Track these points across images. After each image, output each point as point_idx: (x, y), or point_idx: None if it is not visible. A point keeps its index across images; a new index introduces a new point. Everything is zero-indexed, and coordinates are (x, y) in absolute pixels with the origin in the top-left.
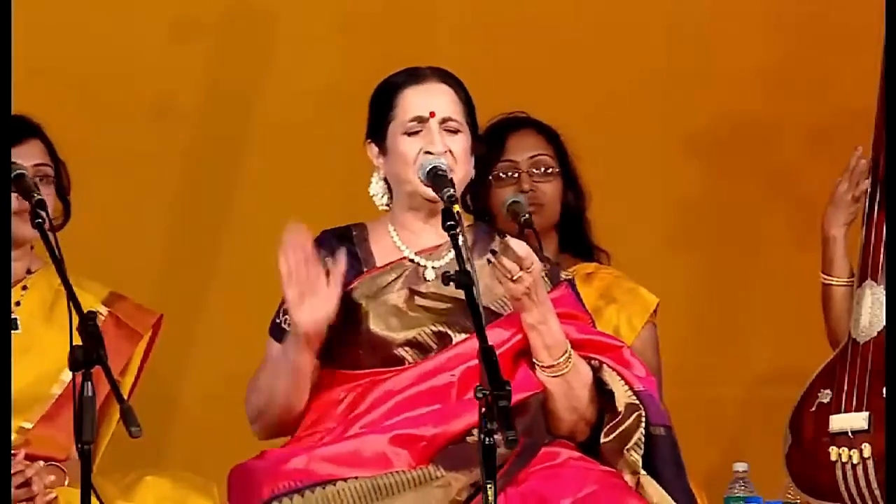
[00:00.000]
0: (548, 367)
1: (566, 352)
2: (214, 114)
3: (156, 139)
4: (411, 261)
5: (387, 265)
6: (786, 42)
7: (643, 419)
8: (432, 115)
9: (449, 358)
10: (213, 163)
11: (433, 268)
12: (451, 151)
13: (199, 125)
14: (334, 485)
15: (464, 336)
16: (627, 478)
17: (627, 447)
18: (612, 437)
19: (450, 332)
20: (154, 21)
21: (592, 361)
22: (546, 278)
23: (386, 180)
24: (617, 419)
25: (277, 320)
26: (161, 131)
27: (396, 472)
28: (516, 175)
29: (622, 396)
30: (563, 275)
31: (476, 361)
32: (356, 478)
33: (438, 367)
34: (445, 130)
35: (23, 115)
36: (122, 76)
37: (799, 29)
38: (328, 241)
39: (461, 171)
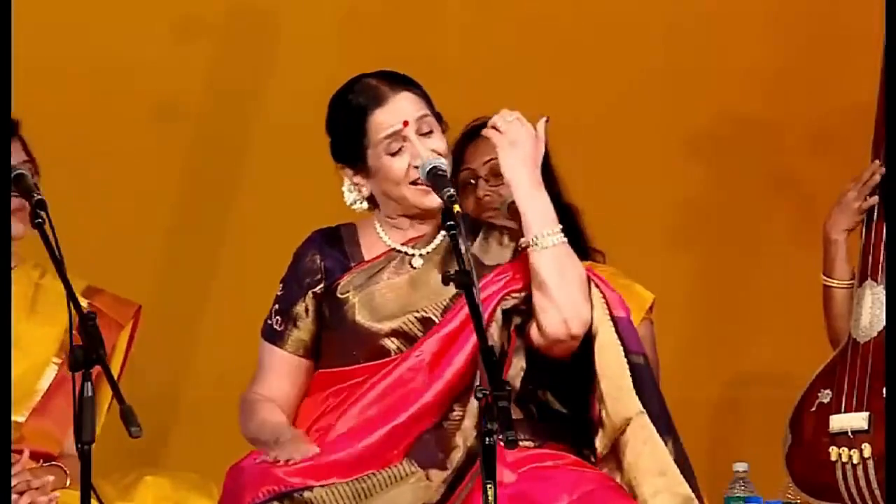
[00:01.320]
0: (545, 236)
1: (560, 227)
2: (216, 114)
3: (157, 139)
4: (397, 251)
5: (373, 259)
6: (786, 42)
7: (621, 352)
8: (406, 124)
9: (418, 343)
10: (214, 162)
11: (420, 255)
12: (434, 152)
13: (200, 125)
14: (311, 491)
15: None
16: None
17: (622, 383)
18: (600, 367)
19: (433, 316)
20: (156, 21)
21: None
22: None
23: (361, 189)
24: (597, 341)
25: (269, 321)
26: (162, 131)
27: (372, 473)
28: (474, 182)
29: (599, 316)
30: None
31: (442, 332)
32: (333, 482)
33: (407, 354)
34: (421, 136)
35: None
36: (123, 76)
37: (799, 29)
38: (317, 241)
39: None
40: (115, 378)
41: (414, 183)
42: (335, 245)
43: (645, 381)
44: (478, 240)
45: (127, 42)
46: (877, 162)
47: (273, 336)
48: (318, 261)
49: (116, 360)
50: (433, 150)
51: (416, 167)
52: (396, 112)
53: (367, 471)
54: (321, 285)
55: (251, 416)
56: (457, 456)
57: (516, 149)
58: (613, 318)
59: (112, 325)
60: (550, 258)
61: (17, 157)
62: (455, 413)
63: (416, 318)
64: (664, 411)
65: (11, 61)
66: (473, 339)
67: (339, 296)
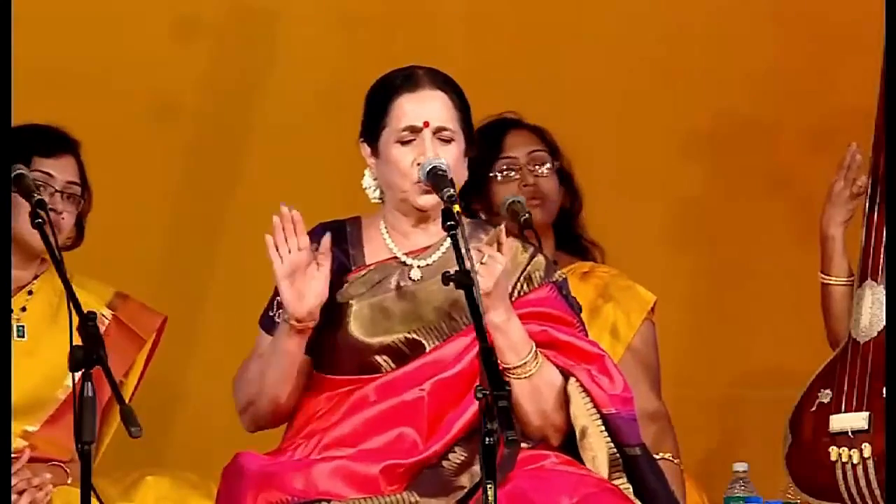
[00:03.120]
0: (515, 367)
1: (531, 350)
2: (215, 113)
3: (157, 138)
4: (400, 262)
5: (374, 264)
6: (786, 42)
7: (605, 442)
8: (426, 125)
9: (417, 369)
10: (214, 162)
11: (419, 267)
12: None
13: (200, 124)
14: None
15: (438, 343)
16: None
17: (608, 476)
18: (587, 457)
19: (424, 340)
20: (155, 20)
21: (562, 369)
22: (539, 273)
23: (373, 170)
24: (578, 439)
25: (270, 313)
26: (162, 130)
27: (371, 497)
28: (517, 171)
29: (581, 416)
30: (557, 274)
31: (446, 374)
32: (329, 500)
33: (407, 380)
34: (438, 140)
35: (63, 128)
36: (123, 75)
37: (799, 29)
38: (320, 236)
39: (454, 179)
40: (132, 391)
41: (416, 182)
42: (337, 242)
43: (644, 470)
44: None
45: (127, 41)
46: (853, 144)
47: (271, 326)
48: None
49: (134, 374)
50: (439, 155)
51: (419, 164)
52: (424, 108)
53: (364, 494)
54: None
55: (243, 373)
56: (460, 493)
57: (495, 290)
58: (602, 416)
59: (134, 340)
60: (529, 386)
61: (66, 175)
62: (455, 455)
63: (405, 337)
64: (668, 492)
65: (11, 61)
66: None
67: (337, 301)
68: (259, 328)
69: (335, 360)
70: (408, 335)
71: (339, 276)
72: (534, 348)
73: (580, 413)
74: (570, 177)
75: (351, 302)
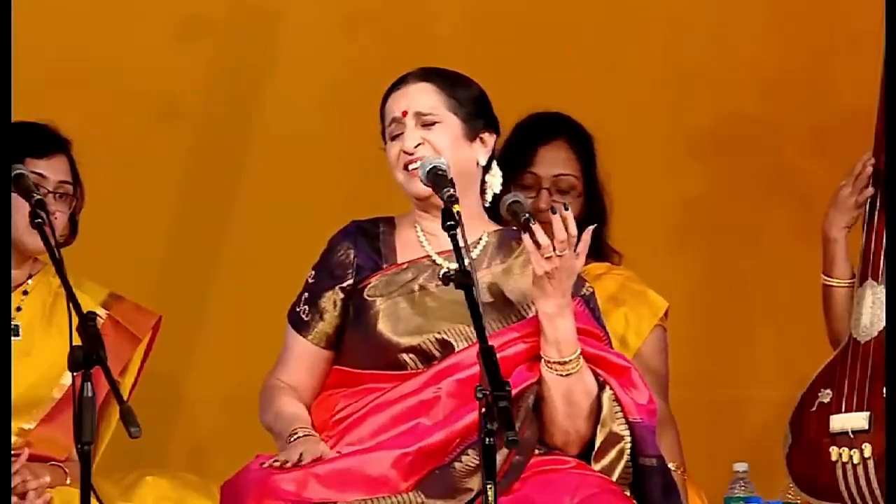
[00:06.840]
0: (556, 363)
1: (577, 352)
2: (218, 113)
3: (159, 138)
4: (432, 260)
5: (405, 263)
6: (786, 42)
7: (626, 454)
8: (404, 114)
9: (442, 370)
10: (216, 162)
11: (449, 267)
12: (428, 141)
13: (202, 124)
14: None
15: (467, 345)
16: None
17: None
18: (598, 467)
19: (454, 341)
20: (158, 20)
21: (599, 378)
22: None
23: None
24: (598, 447)
25: (298, 309)
26: (165, 131)
27: (378, 497)
28: (536, 191)
29: (609, 422)
30: (585, 288)
31: (463, 374)
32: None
33: (430, 380)
34: (421, 126)
35: (54, 126)
36: (125, 75)
37: (799, 29)
38: (353, 234)
39: (450, 162)
40: (129, 390)
41: (405, 167)
42: (370, 241)
43: (654, 483)
44: (510, 259)
45: (129, 41)
46: (868, 153)
47: (299, 325)
48: (352, 255)
49: (131, 373)
50: (425, 139)
51: (405, 152)
52: (402, 99)
53: (374, 494)
54: (350, 280)
55: (269, 405)
56: (467, 497)
57: (552, 280)
58: (629, 423)
59: (129, 339)
60: (565, 386)
61: (59, 175)
62: (468, 458)
63: (435, 338)
64: None
65: (11, 61)
66: None
67: (366, 297)
68: (288, 324)
69: (360, 357)
70: (438, 335)
71: (367, 272)
72: (579, 351)
73: (609, 418)
74: (599, 196)
75: (379, 300)
